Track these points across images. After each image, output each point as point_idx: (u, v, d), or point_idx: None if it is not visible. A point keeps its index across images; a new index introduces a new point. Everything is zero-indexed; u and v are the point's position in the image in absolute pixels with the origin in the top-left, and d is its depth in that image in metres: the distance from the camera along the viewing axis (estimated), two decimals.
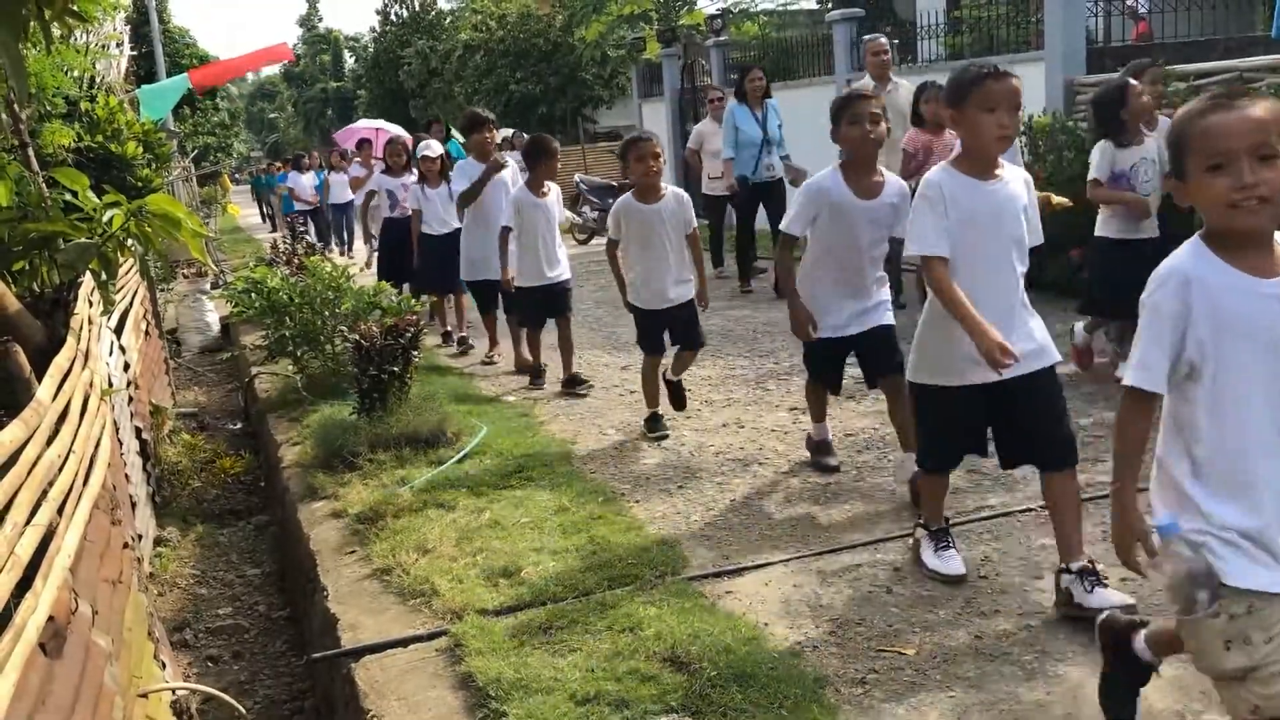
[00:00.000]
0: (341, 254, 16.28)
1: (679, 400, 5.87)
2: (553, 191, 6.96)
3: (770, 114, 9.61)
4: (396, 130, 17.51)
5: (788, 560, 3.90)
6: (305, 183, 19.29)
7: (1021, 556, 3.77)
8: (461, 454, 5.29)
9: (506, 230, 6.95)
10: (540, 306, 6.96)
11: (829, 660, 3.17)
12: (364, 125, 19.47)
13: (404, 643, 3.51)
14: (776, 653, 3.16)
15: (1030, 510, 4.16)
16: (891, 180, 4.48)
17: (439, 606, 3.69)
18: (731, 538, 4.18)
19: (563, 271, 6.96)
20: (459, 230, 8.15)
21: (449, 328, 8.88)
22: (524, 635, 3.38)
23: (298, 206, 19.10)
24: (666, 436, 5.58)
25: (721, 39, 16.80)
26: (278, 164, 28.19)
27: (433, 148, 8.83)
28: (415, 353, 5.85)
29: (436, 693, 3.17)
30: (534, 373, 7.03)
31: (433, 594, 3.78)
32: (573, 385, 6.74)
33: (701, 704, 2.89)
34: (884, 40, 8.97)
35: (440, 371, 7.54)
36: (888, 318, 4.57)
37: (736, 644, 3.18)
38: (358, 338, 5.67)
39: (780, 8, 24.33)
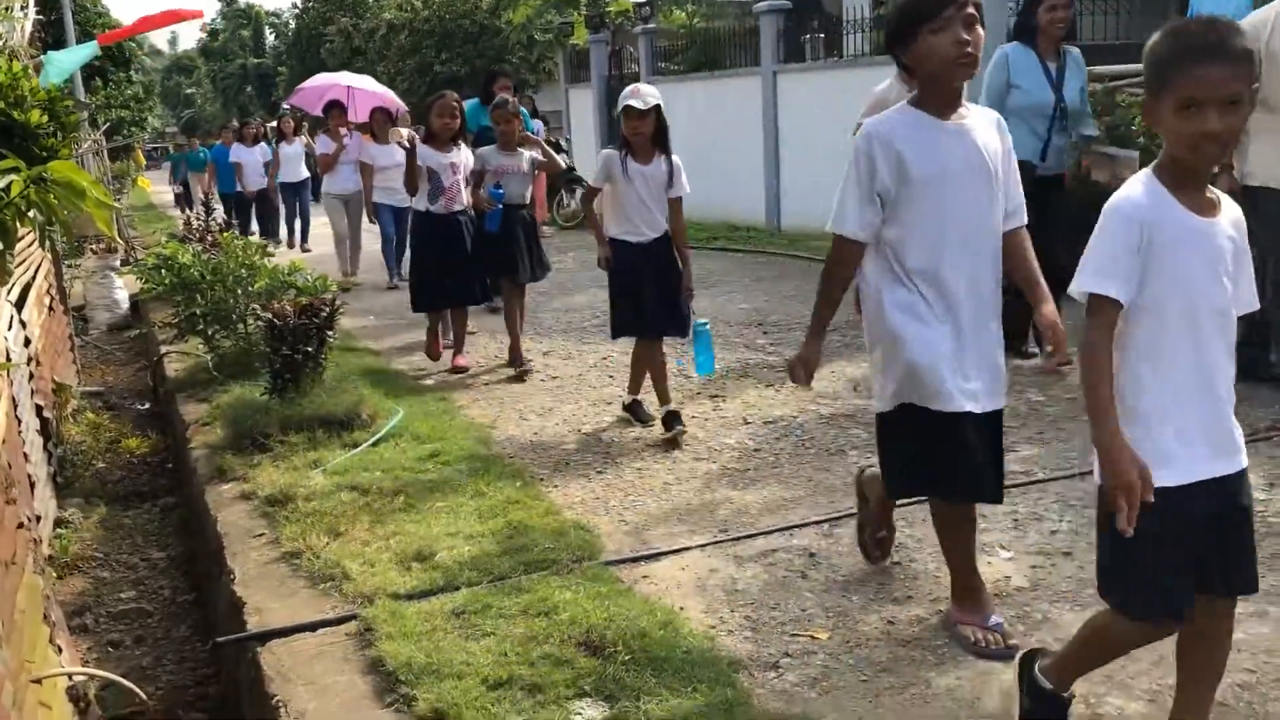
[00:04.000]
0: (293, 247, 14.42)
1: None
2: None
3: (1072, 68, 5.95)
4: (378, 88, 13.73)
5: (704, 545, 3.90)
6: (254, 158, 15.57)
7: (934, 543, 3.79)
8: (377, 437, 5.20)
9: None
10: None
11: (743, 644, 3.17)
12: (327, 81, 14.37)
13: (312, 627, 3.43)
14: (691, 637, 3.15)
15: None
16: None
17: (349, 590, 3.62)
18: (649, 523, 4.17)
19: None
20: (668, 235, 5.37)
21: (636, 396, 5.62)
22: (436, 619, 3.32)
23: (242, 187, 15.72)
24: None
25: (650, 26, 16.77)
26: (196, 138, 26.86)
27: (645, 95, 5.21)
28: (330, 333, 5.73)
29: (345, 677, 3.11)
30: None
31: (343, 578, 3.70)
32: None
33: (615, 688, 2.87)
34: None
35: (357, 353, 7.42)
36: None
37: (651, 628, 3.16)
38: (270, 316, 5.54)
39: None
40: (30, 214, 3.86)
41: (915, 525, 3.97)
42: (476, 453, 5.00)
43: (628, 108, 5.18)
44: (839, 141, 11.52)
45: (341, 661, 3.20)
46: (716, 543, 3.92)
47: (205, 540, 4.72)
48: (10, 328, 5.29)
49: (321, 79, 14.68)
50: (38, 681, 3.09)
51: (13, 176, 3.51)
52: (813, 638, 3.19)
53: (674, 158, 5.33)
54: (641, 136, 5.24)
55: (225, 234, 8.32)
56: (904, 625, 3.24)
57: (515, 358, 6.78)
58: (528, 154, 6.74)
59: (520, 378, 6.58)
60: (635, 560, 3.80)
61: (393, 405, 5.71)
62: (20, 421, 4.81)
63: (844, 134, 11.83)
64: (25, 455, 4.77)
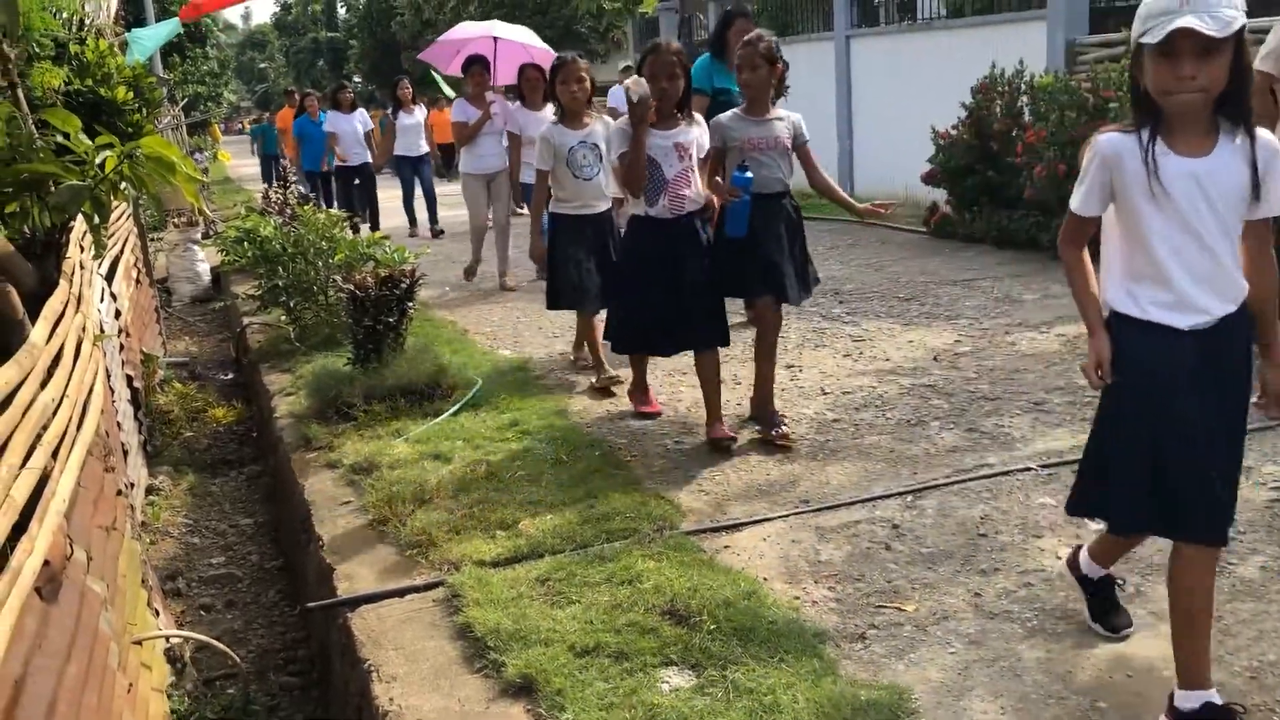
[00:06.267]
0: (414, 233, 12.71)
1: None
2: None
3: None
4: (530, 40, 10.63)
5: (786, 516, 3.88)
6: (353, 127, 12.71)
7: (1020, 515, 3.76)
8: (457, 406, 5.26)
9: None
10: None
11: (828, 616, 3.16)
12: (467, 33, 11.21)
13: (401, 593, 3.49)
14: (776, 607, 3.15)
15: (1029, 469, 4.15)
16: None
17: (436, 557, 3.67)
18: (729, 493, 4.16)
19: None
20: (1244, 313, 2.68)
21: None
22: (522, 587, 3.36)
23: (340, 161, 12.82)
24: None
25: None
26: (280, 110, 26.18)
27: (1215, 4, 2.26)
28: (411, 304, 5.79)
29: (435, 643, 3.16)
30: None
31: (429, 545, 3.76)
32: None
33: (701, 657, 2.88)
34: None
35: (436, 324, 7.49)
36: None
37: (736, 598, 3.16)
38: (352, 288, 5.61)
39: None
40: (123, 188, 3.96)
41: (1000, 498, 3.92)
42: (555, 422, 5.03)
43: (1176, 34, 2.26)
44: (913, 106, 11.23)
45: (430, 627, 3.25)
46: (798, 513, 3.90)
47: (292, 507, 4.82)
48: (102, 300, 5.43)
49: (459, 31, 11.58)
50: (138, 643, 3.19)
51: (108, 152, 3.60)
52: (899, 609, 3.17)
53: (1251, 129, 2.41)
54: (1201, 95, 2.34)
55: (304, 207, 8.42)
56: (991, 598, 3.20)
57: (764, 414, 4.78)
58: (791, 117, 4.70)
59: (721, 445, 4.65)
60: (716, 530, 3.79)
61: (472, 375, 5.76)
62: (113, 392, 4.95)
63: (918, 98, 11.62)
64: (119, 424, 4.90)
